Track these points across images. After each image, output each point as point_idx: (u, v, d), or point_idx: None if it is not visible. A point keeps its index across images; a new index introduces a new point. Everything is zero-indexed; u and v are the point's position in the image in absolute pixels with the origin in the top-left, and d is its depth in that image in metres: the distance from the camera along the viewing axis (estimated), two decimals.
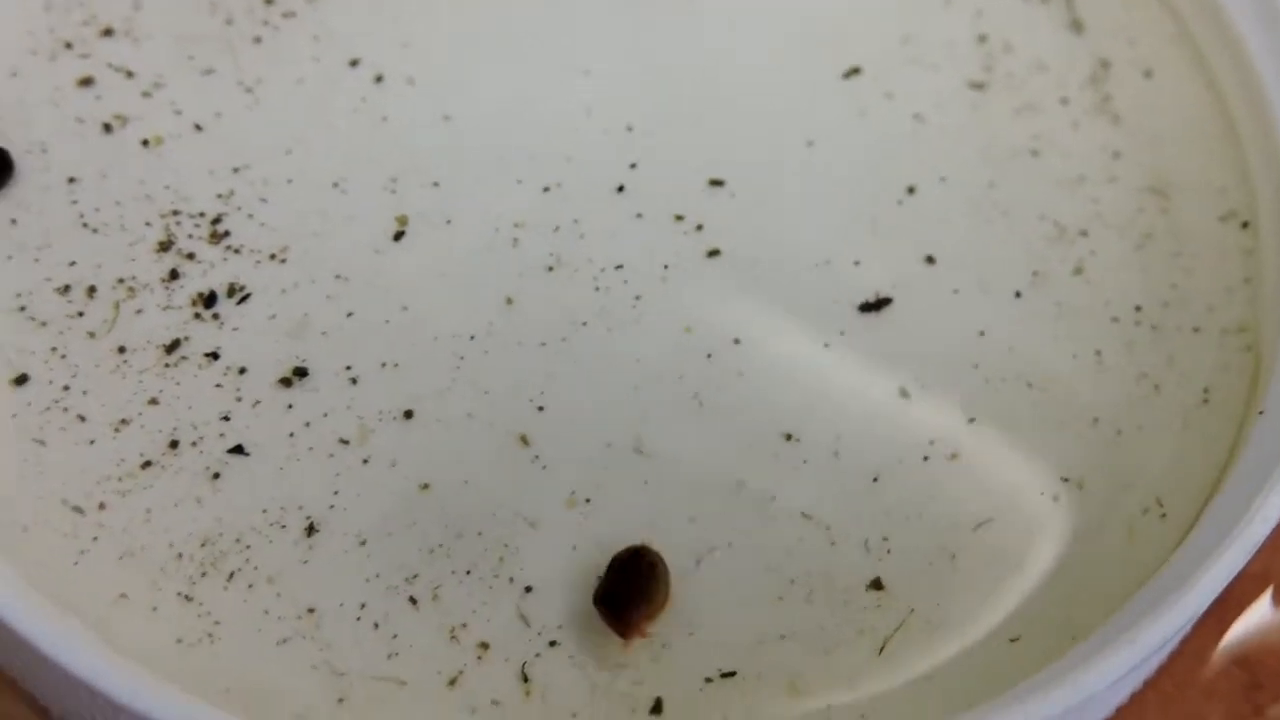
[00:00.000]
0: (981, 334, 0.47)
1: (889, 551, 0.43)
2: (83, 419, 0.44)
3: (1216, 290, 0.49)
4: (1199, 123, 0.52)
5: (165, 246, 0.47)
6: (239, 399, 0.44)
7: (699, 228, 0.48)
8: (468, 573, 0.42)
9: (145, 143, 0.49)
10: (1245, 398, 0.47)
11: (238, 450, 0.44)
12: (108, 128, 0.49)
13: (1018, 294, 0.48)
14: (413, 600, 0.42)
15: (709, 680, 0.41)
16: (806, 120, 0.51)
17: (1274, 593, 0.48)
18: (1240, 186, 0.51)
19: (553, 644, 0.41)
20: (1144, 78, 0.53)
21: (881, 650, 0.42)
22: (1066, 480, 0.45)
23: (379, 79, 0.50)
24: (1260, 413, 0.44)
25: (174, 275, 0.46)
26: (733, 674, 0.41)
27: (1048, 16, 0.54)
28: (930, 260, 0.48)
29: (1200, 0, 0.53)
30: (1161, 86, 0.53)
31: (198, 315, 0.46)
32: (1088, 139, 0.51)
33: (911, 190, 0.50)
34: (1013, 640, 0.42)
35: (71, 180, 0.48)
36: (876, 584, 0.43)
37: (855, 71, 0.52)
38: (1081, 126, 0.52)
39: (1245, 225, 0.50)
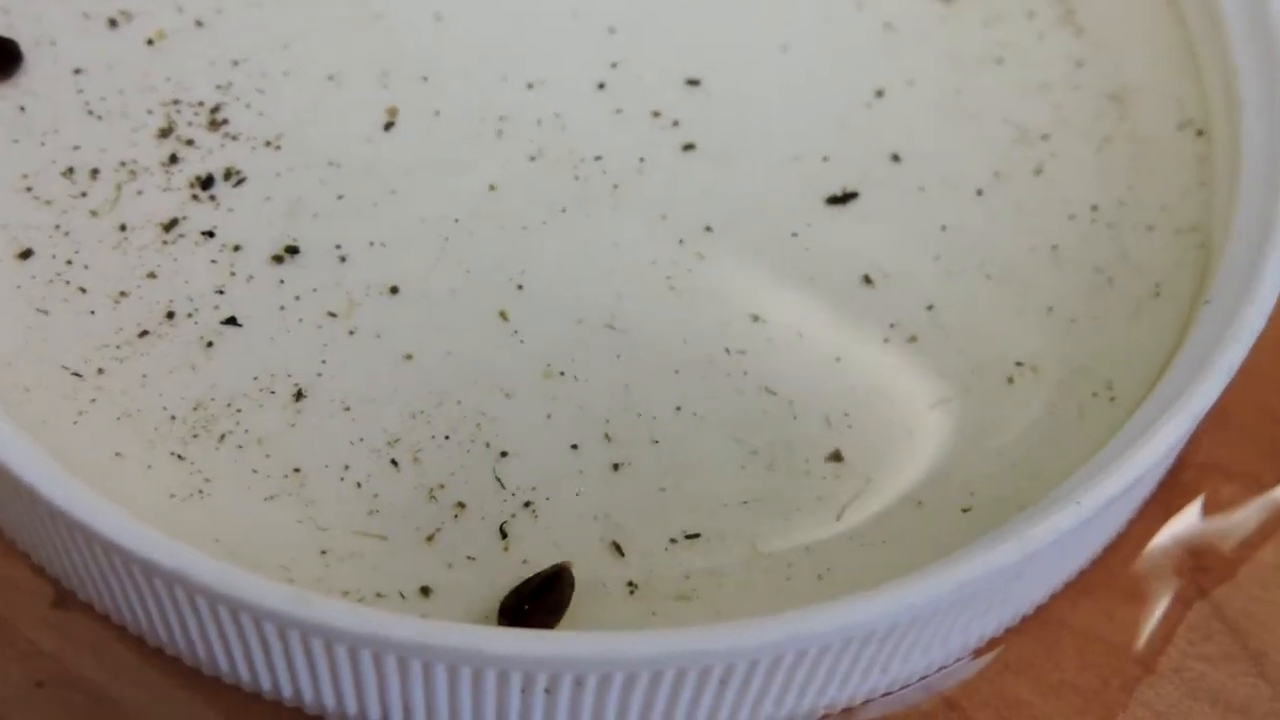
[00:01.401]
0: (943, 228, 0.49)
1: (849, 427, 0.46)
2: (84, 290, 0.46)
3: (1171, 192, 0.51)
4: (1158, 35, 0.54)
5: (166, 133, 0.49)
6: (233, 274, 0.47)
7: (675, 123, 0.51)
8: (446, 437, 0.44)
9: (149, 38, 0.51)
10: (1194, 291, 0.49)
11: (231, 321, 0.46)
12: (113, 23, 0.51)
13: (979, 192, 0.50)
14: (394, 462, 0.44)
15: (673, 540, 0.43)
16: (781, 26, 0.53)
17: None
18: (1196, 97, 0.53)
19: (527, 504, 0.43)
20: None
21: (839, 516, 0.44)
22: (1021, 364, 0.47)
23: None
24: (1207, 301, 0.46)
25: (173, 159, 0.49)
26: (696, 535, 0.43)
27: None
28: (896, 158, 0.51)
29: None
30: (1123, 3, 0.55)
31: (195, 196, 0.48)
32: (1052, 49, 0.54)
33: (880, 93, 0.52)
34: (964, 510, 0.44)
35: (77, 71, 0.50)
36: (836, 456, 0.45)
37: None
38: (1046, 38, 0.54)
39: (1200, 133, 0.52)
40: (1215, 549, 0.48)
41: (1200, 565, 0.48)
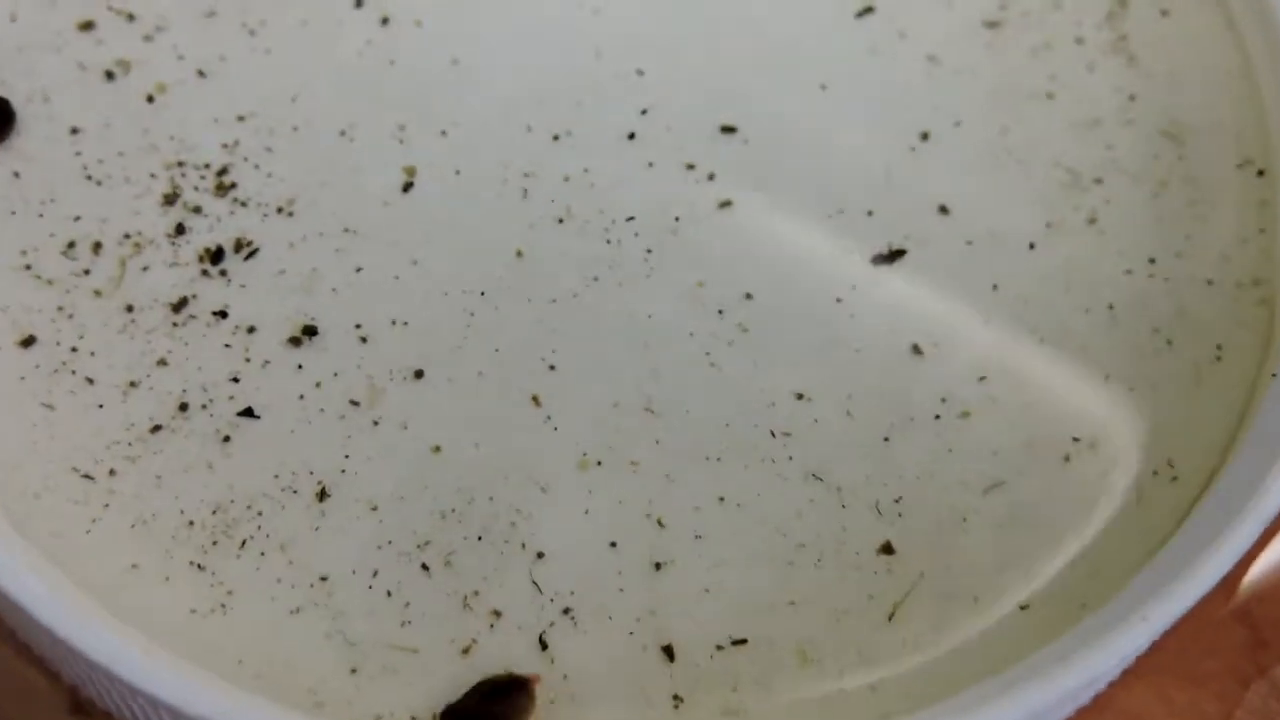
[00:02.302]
0: (995, 287, 0.47)
1: (900, 514, 0.43)
2: (91, 381, 0.44)
3: (1231, 241, 0.48)
4: (1216, 64, 0.51)
5: (171, 199, 0.47)
6: (248, 359, 0.44)
7: (711, 177, 0.48)
8: (479, 539, 0.42)
9: (149, 93, 0.48)
10: (1259, 354, 0.46)
11: (248, 413, 0.44)
12: (110, 75, 0.48)
13: (1031, 245, 0.48)
14: (425, 567, 0.42)
15: (720, 648, 0.41)
16: (819, 62, 0.50)
17: None
18: (1257, 132, 0.50)
19: (566, 611, 0.41)
20: (1161, 16, 0.52)
21: (891, 617, 0.42)
22: (1078, 440, 0.45)
23: (385, 20, 0.50)
24: (1274, 375, 0.44)
25: (180, 230, 0.46)
26: (744, 641, 0.41)
27: None
28: (944, 210, 0.48)
29: None
30: (1179, 25, 0.52)
31: (205, 272, 0.45)
32: (1103, 80, 0.51)
33: (925, 136, 0.49)
34: (1022, 607, 0.42)
35: (74, 131, 0.48)
36: (887, 548, 0.43)
37: (868, 10, 0.51)
38: (1097, 67, 0.51)
39: (1261, 173, 0.49)
40: (1274, 623, 0.46)
41: (1259, 641, 0.46)
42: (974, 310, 0.47)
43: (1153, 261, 0.48)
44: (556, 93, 0.49)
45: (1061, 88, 0.50)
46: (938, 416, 0.45)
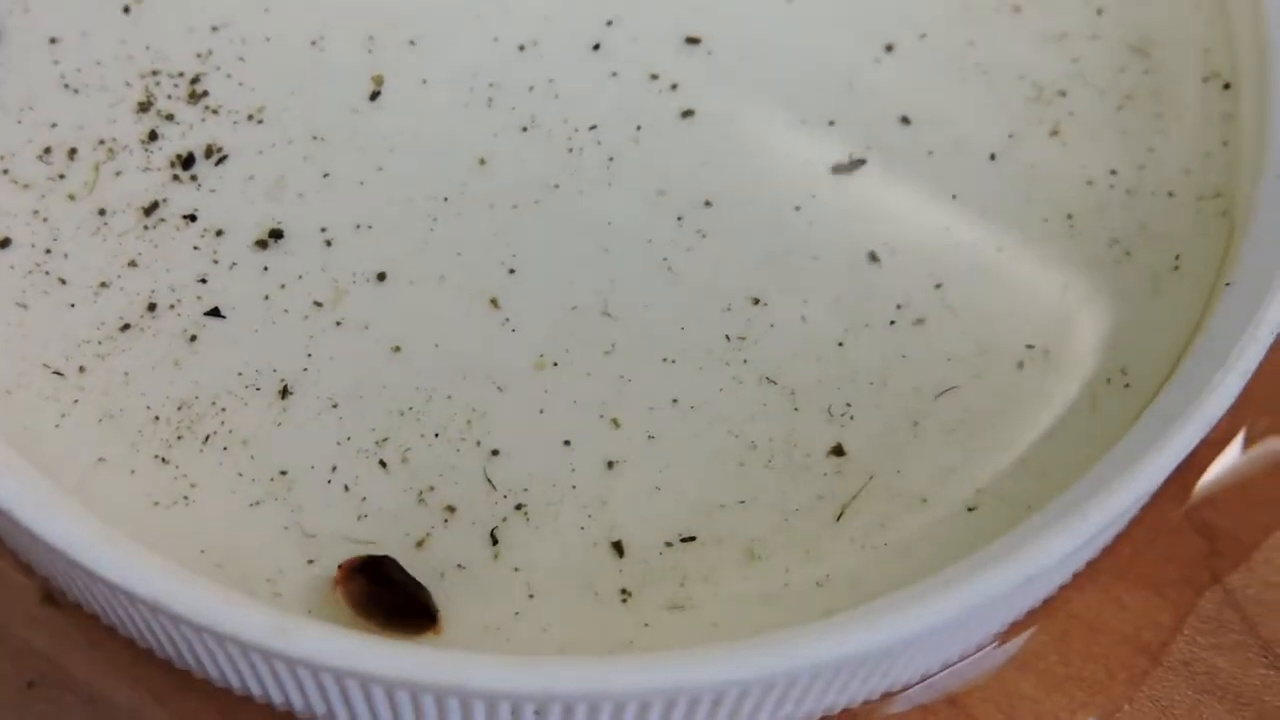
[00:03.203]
0: (954, 197, 0.47)
1: (851, 418, 0.44)
2: (63, 282, 0.45)
3: (1194, 154, 0.49)
4: None
5: (145, 107, 0.47)
6: (215, 261, 0.45)
7: (674, 87, 0.49)
8: (436, 435, 0.43)
9: (126, 3, 0.49)
10: (1217, 265, 0.47)
11: (214, 313, 0.45)
12: None
13: (992, 156, 0.48)
14: (382, 463, 0.43)
15: (669, 544, 0.42)
16: None
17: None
18: (1223, 45, 0.51)
19: (519, 507, 0.42)
20: None
21: (839, 517, 0.43)
22: (1032, 347, 0.45)
23: None
24: (1228, 284, 0.45)
25: (153, 136, 0.47)
26: (692, 538, 0.42)
27: None
28: (906, 121, 0.49)
29: None
30: None
31: (176, 177, 0.46)
32: None
33: (890, 48, 0.50)
34: (970, 509, 0.43)
35: (53, 40, 0.49)
36: (838, 450, 0.44)
37: None
38: None
39: (1227, 86, 0.50)
40: (1230, 533, 0.47)
41: (1214, 550, 0.46)
42: (933, 219, 0.47)
43: (1114, 173, 0.48)
44: (522, 4, 0.50)
45: (1029, 1, 0.51)
46: (893, 322, 0.45)
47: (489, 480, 0.43)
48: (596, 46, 0.49)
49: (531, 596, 0.41)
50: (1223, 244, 0.47)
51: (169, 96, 0.48)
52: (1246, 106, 0.49)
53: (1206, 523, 0.47)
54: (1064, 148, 0.48)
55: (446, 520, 0.42)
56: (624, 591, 0.41)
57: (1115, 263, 0.47)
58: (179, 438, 0.43)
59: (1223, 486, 0.47)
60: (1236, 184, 0.48)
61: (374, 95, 0.48)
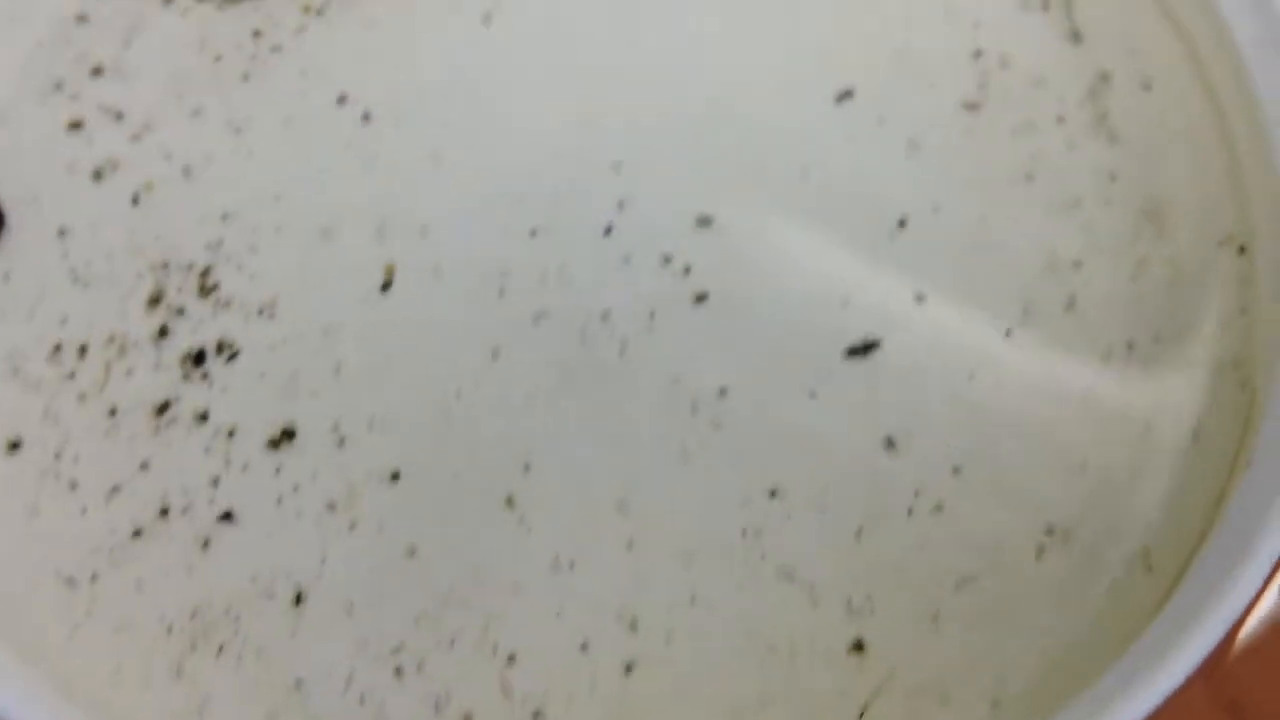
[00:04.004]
0: (971, 377, 0.47)
1: (871, 611, 0.44)
2: (74, 486, 0.45)
3: (1211, 322, 0.48)
4: (1197, 137, 0.51)
5: (155, 300, 0.47)
6: (228, 463, 0.45)
7: (687, 270, 0.48)
8: (452, 642, 0.43)
9: (136, 192, 0.49)
10: (1238, 438, 0.46)
11: (227, 517, 0.44)
12: (98, 175, 0.49)
13: (1008, 332, 0.48)
14: (398, 671, 0.42)
15: None
16: (798, 149, 0.50)
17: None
18: (1237, 206, 0.50)
19: (536, 714, 0.42)
20: (1143, 90, 0.52)
21: (861, 715, 0.42)
22: (1051, 532, 0.45)
23: (366, 117, 0.50)
24: (1249, 465, 0.44)
25: (164, 332, 0.47)
26: None
27: (1046, 26, 0.53)
28: (920, 298, 0.48)
29: (1199, 5, 0.51)
30: (1160, 99, 0.52)
31: (187, 375, 0.46)
32: (1084, 160, 0.51)
33: (903, 224, 0.49)
34: (993, 705, 0.43)
35: (62, 232, 0.48)
36: (858, 645, 0.43)
37: (847, 95, 0.51)
38: (1078, 146, 0.51)
39: (1242, 250, 0.49)
40: (1259, 709, 0.46)
41: None
42: (949, 401, 0.47)
43: (1130, 346, 0.48)
44: (534, 188, 0.49)
45: (1042, 169, 0.50)
46: (910, 510, 0.45)
47: (506, 687, 0.42)
48: (608, 230, 0.49)
49: None
50: (1243, 416, 0.47)
51: (179, 289, 0.47)
52: (1264, 271, 0.49)
53: (1233, 700, 0.46)
54: (1080, 320, 0.48)
55: None
56: None
57: (1134, 438, 0.46)
58: (192, 648, 0.43)
59: (1249, 660, 0.47)
60: (1255, 353, 0.47)
61: (385, 286, 0.48)
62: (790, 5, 0.52)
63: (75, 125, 0.50)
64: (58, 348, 0.47)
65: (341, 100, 0.50)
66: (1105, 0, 0.53)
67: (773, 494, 0.45)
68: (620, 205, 0.49)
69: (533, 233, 0.49)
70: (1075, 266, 0.49)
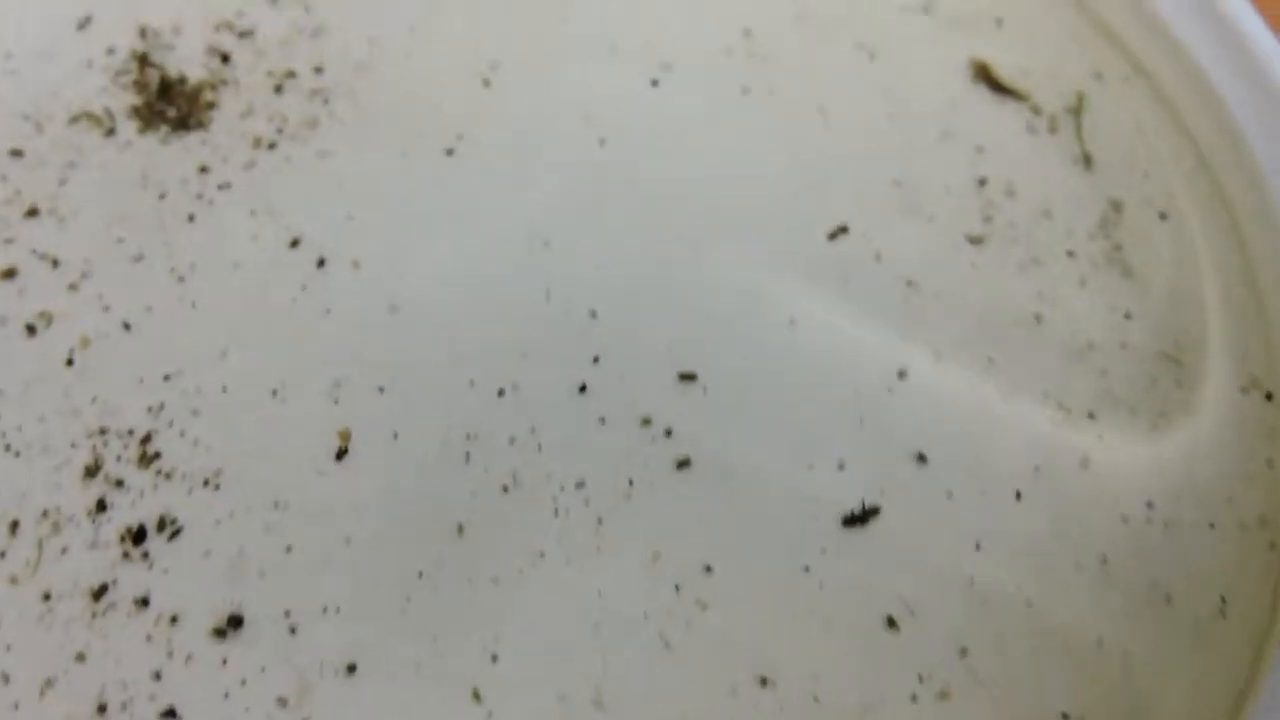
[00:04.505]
0: (978, 546, 0.43)
1: None
2: (7, 679, 0.41)
3: (1236, 477, 0.45)
4: (1217, 273, 0.47)
5: (92, 471, 0.44)
6: (170, 654, 0.41)
7: (668, 433, 0.45)
8: None
9: (72, 347, 0.45)
10: (1268, 606, 0.43)
11: (170, 714, 0.41)
12: (31, 330, 0.46)
13: (1018, 495, 0.44)
14: None
15: None
16: (787, 294, 0.47)
17: None
18: (1262, 351, 0.46)
19: None
20: (1159, 220, 0.48)
21: None
22: (1067, 717, 0.41)
23: (321, 262, 0.46)
24: None
25: (101, 507, 0.43)
26: None
27: (1055, 149, 0.49)
28: (922, 459, 0.44)
29: (1220, 125, 0.48)
30: (1177, 230, 0.48)
31: (126, 554, 0.43)
32: (1097, 298, 0.47)
33: (902, 374, 0.46)
34: None
35: None
36: None
37: (842, 230, 0.47)
38: (1090, 283, 0.47)
39: (1269, 397, 0.45)
40: None
41: None
42: (954, 573, 0.43)
43: (1150, 506, 0.44)
44: (502, 341, 0.46)
45: (1051, 308, 0.47)
46: (914, 697, 0.41)
47: None
48: (583, 388, 0.45)
49: None
50: (1272, 580, 0.43)
51: (118, 458, 0.44)
52: None
53: None
54: (1095, 479, 0.44)
55: None
56: None
57: (1154, 610, 0.43)
58: None
59: None
60: None
61: (340, 454, 0.44)
62: (779, 135, 0.48)
63: (8, 274, 0.46)
64: None
65: (294, 244, 0.47)
66: (1117, 120, 0.49)
67: (763, 682, 0.41)
68: (596, 360, 0.45)
69: (500, 391, 0.45)
70: (1090, 419, 0.45)
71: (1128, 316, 0.47)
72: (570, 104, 0.48)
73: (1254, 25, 0.48)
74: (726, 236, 0.47)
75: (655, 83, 0.49)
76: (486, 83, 0.49)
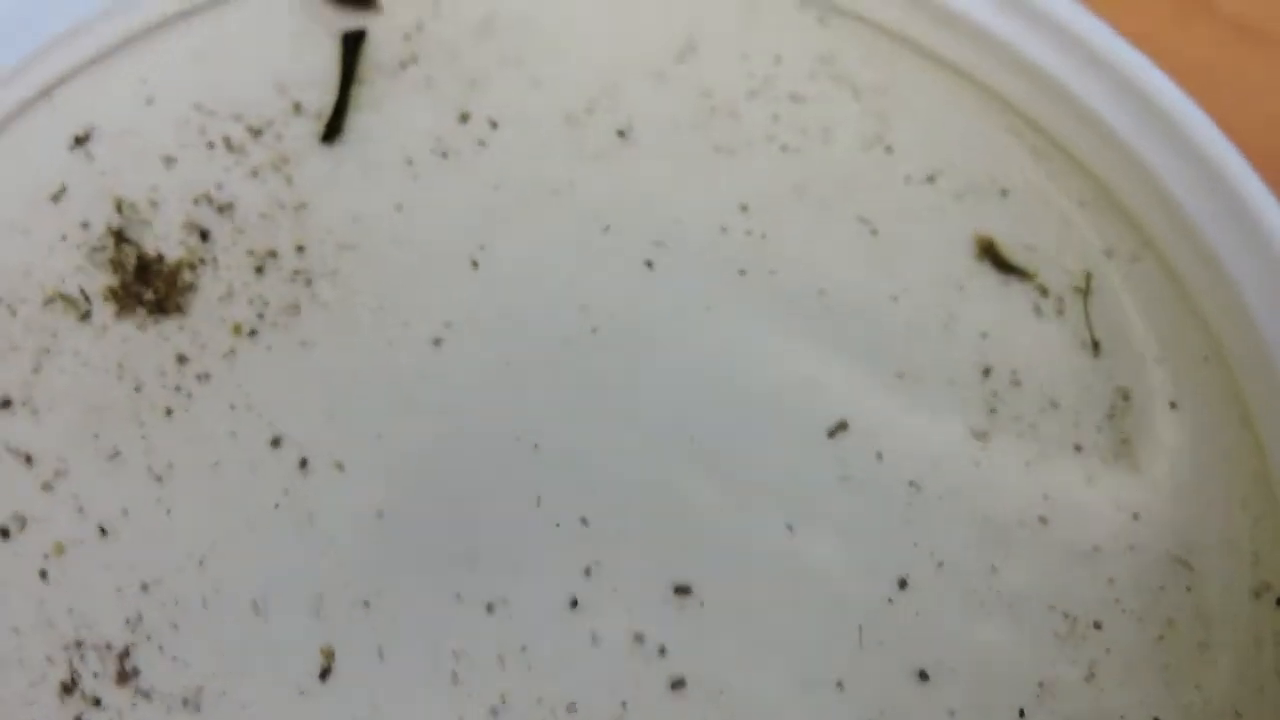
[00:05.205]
0: None
1: None
2: None
3: (1247, 692, 0.43)
4: (1229, 469, 0.46)
5: (69, 688, 0.42)
6: None
7: (662, 651, 0.43)
8: None
9: (46, 554, 0.44)
10: None
11: None
12: (4, 534, 0.44)
13: (1021, 713, 0.43)
14: None
15: None
16: (784, 496, 0.45)
17: None
18: (1274, 552, 0.45)
19: None
20: (1169, 409, 0.47)
21: None
22: None
23: (304, 463, 0.45)
24: None
25: None
26: None
27: (1062, 334, 0.47)
28: (923, 676, 0.43)
29: (1232, 310, 0.46)
30: (1189, 421, 0.47)
31: None
32: (1104, 497, 0.46)
33: (903, 584, 0.44)
34: None
35: None
36: None
37: (842, 427, 0.46)
38: (1097, 481, 0.46)
39: None
40: None
41: None
42: None
43: None
44: (491, 551, 0.44)
45: (1057, 510, 0.45)
46: None
47: None
48: (574, 603, 0.44)
49: None
50: None
51: (95, 675, 0.42)
52: None
53: None
54: (1100, 694, 0.43)
55: None
56: None
57: None
58: None
59: None
60: None
61: (324, 673, 0.43)
62: (779, 320, 0.47)
63: None
64: None
65: (275, 442, 0.45)
66: (1126, 301, 0.48)
67: None
68: (587, 572, 0.44)
69: (489, 607, 0.44)
70: (1095, 628, 0.44)
71: (1135, 517, 0.45)
72: (562, 289, 0.47)
73: (1267, 203, 0.46)
74: (722, 435, 0.45)
75: (650, 264, 0.47)
76: (475, 264, 0.47)
